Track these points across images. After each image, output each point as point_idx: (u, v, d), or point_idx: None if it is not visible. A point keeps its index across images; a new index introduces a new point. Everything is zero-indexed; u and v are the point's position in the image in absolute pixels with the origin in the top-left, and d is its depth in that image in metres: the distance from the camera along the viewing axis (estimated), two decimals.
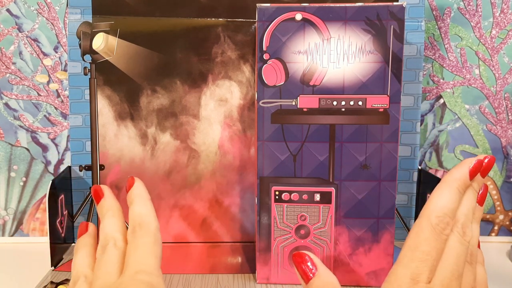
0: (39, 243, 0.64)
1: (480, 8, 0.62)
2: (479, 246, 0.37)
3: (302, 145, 0.50)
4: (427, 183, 0.59)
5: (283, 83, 0.50)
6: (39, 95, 0.63)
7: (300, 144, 0.50)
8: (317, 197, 0.50)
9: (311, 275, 0.34)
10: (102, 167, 0.60)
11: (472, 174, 0.35)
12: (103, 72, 0.59)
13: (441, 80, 0.64)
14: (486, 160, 0.35)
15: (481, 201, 0.36)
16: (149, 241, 0.35)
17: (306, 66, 0.49)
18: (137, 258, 0.34)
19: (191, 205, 0.60)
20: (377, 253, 0.51)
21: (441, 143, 0.65)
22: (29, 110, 0.63)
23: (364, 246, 0.51)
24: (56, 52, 0.62)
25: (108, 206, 0.38)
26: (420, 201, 0.61)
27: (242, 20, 0.59)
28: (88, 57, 0.59)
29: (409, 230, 0.60)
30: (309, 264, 0.35)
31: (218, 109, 0.59)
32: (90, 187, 0.61)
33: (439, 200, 0.35)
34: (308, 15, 0.49)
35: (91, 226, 0.39)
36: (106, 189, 0.39)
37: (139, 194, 0.38)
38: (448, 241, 0.34)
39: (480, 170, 0.35)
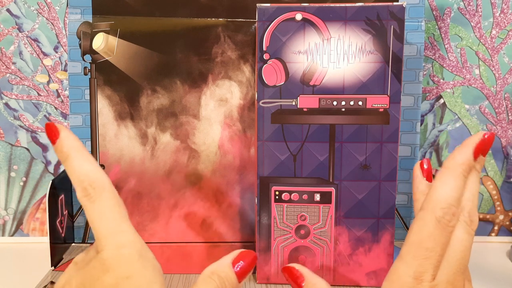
0: (39, 243, 0.64)
1: (480, 8, 0.62)
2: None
3: (302, 145, 0.50)
4: None
5: (283, 83, 0.50)
6: (39, 95, 0.63)
7: (300, 144, 0.50)
8: (317, 197, 0.50)
9: (301, 284, 0.35)
10: (102, 167, 0.60)
11: (477, 155, 0.33)
12: (103, 72, 0.59)
13: (441, 80, 0.64)
14: (486, 137, 0.33)
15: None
16: (112, 203, 0.31)
17: (306, 66, 0.49)
18: (109, 229, 0.31)
19: (191, 205, 0.60)
20: (377, 253, 0.51)
21: (441, 143, 0.65)
22: (29, 110, 0.63)
23: (364, 246, 0.51)
24: (56, 52, 0.62)
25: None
26: None
27: (242, 20, 0.59)
28: (88, 57, 0.59)
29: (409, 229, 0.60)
30: (297, 275, 0.35)
31: (218, 109, 0.59)
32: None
33: (443, 189, 0.32)
34: (308, 15, 0.49)
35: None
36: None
37: (73, 146, 0.32)
38: (454, 232, 0.32)
39: (484, 149, 0.33)
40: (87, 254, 0.33)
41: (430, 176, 0.36)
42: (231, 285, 0.32)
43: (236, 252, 0.34)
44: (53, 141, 0.32)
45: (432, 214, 0.31)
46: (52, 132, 0.32)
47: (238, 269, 0.33)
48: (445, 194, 0.32)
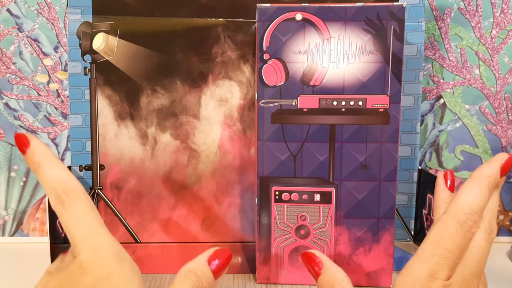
0: (39, 243, 0.64)
1: (480, 8, 0.62)
2: None
3: (302, 145, 0.50)
4: (427, 183, 0.59)
5: (283, 83, 0.49)
6: (39, 95, 0.63)
7: (300, 144, 0.50)
8: (317, 197, 0.50)
9: (319, 271, 0.35)
10: (102, 167, 0.60)
11: (504, 172, 0.34)
12: (103, 72, 0.59)
13: (441, 80, 0.64)
14: (509, 157, 0.35)
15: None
16: (86, 208, 0.32)
17: (306, 66, 0.49)
18: (85, 233, 0.31)
19: (191, 205, 0.60)
20: (377, 253, 0.51)
21: (441, 143, 0.65)
22: (29, 110, 0.63)
23: (364, 246, 0.51)
24: (56, 52, 0.62)
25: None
26: (420, 201, 0.61)
27: (242, 20, 0.59)
28: (88, 57, 0.59)
29: (409, 230, 0.60)
30: (317, 261, 0.35)
31: (218, 109, 0.59)
32: (90, 187, 0.61)
33: (469, 196, 0.33)
34: (308, 15, 0.49)
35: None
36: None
37: (44, 155, 0.32)
38: (473, 238, 0.33)
39: (508, 168, 0.35)
40: (62, 261, 0.34)
41: (452, 187, 0.37)
42: (208, 283, 0.32)
43: (212, 250, 0.34)
44: (23, 151, 0.32)
45: (455, 218, 0.32)
46: (22, 142, 0.32)
47: (214, 266, 0.33)
48: (470, 201, 0.33)
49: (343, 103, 0.49)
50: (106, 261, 0.31)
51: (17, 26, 0.62)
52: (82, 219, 0.31)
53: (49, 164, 0.32)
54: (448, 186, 0.37)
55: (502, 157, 0.35)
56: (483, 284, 0.34)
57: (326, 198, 0.50)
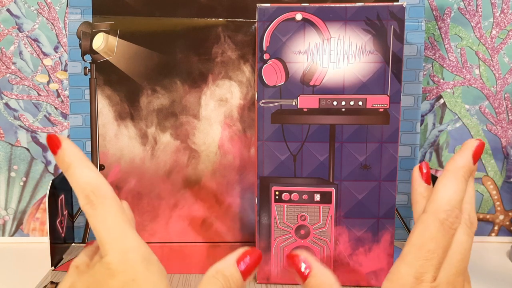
0: (39, 243, 0.64)
1: (480, 8, 0.62)
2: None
3: (302, 145, 0.50)
4: None
5: (283, 83, 0.50)
6: (39, 95, 0.63)
7: (300, 144, 0.50)
8: (317, 197, 0.50)
9: (307, 275, 0.33)
10: (102, 167, 0.60)
11: (476, 158, 0.34)
12: (103, 72, 0.59)
13: (441, 80, 0.64)
14: (479, 142, 0.34)
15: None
16: (114, 209, 0.31)
17: (306, 66, 0.49)
18: (113, 234, 0.31)
19: (191, 205, 0.60)
20: (377, 253, 0.51)
21: (441, 143, 0.65)
22: (29, 110, 0.63)
23: (364, 246, 0.51)
24: (56, 52, 0.62)
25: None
26: None
27: (242, 20, 0.59)
28: (88, 57, 0.59)
29: (409, 230, 0.60)
30: (302, 264, 0.34)
31: (218, 109, 0.59)
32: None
33: (446, 192, 0.32)
34: (308, 15, 0.49)
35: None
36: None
37: (75, 155, 0.32)
38: (455, 235, 0.32)
39: (480, 153, 0.34)
40: (89, 257, 0.33)
41: (429, 179, 0.36)
42: (236, 285, 0.32)
43: (241, 250, 0.33)
44: (54, 152, 0.33)
45: (435, 217, 0.32)
46: (54, 143, 0.33)
47: (243, 267, 0.32)
48: (448, 196, 0.32)
49: (343, 103, 0.49)
50: (133, 263, 0.30)
51: (17, 26, 0.62)
52: (110, 220, 0.31)
53: (79, 164, 0.32)
54: (424, 179, 0.36)
55: (472, 144, 0.34)
56: (467, 281, 0.34)
57: (326, 198, 0.50)
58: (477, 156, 0.34)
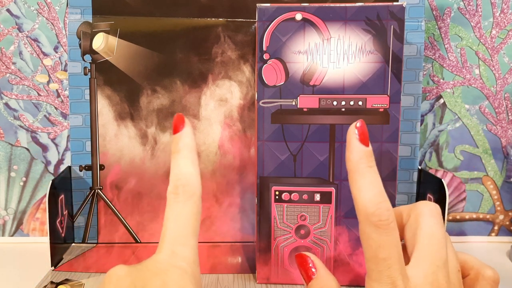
0: (39, 243, 0.64)
1: (480, 8, 0.62)
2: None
3: (302, 145, 0.50)
4: (427, 183, 0.59)
5: (283, 83, 0.50)
6: (39, 95, 0.63)
7: (300, 144, 0.50)
8: (317, 197, 0.50)
9: (312, 276, 0.34)
10: (102, 167, 0.60)
11: (364, 140, 0.32)
12: (103, 72, 0.59)
13: (441, 80, 0.64)
14: (358, 125, 0.32)
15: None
16: (193, 211, 0.32)
17: (306, 66, 0.49)
18: (177, 233, 0.31)
19: None
20: None
21: (441, 143, 0.65)
22: (29, 110, 0.63)
23: None
24: (56, 52, 0.62)
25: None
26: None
27: (242, 20, 0.59)
28: (88, 57, 0.59)
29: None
30: (310, 265, 0.34)
31: (218, 109, 0.59)
32: (90, 187, 0.61)
33: (361, 193, 0.31)
34: (308, 15, 0.49)
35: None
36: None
37: (188, 144, 0.33)
38: (394, 234, 0.30)
39: (365, 131, 0.32)
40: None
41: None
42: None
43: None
44: (175, 131, 0.34)
45: (368, 222, 0.30)
46: (179, 123, 0.34)
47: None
48: (366, 196, 0.30)
49: (343, 103, 0.49)
50: (176, 271, 0.30)
51: (17, 26, 0.62)
52: (182, 219, 0.32)
53: (187, 154, 0.33)
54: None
55: (352, 131, 0.32)
56: (458, 269, 0.32)
57: (326, 198, 0.50)
58: (364, 138, 0.32)
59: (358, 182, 0.31)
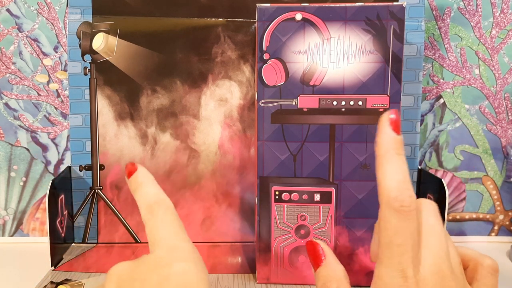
0: (39, 243, 0.64)
1: (480, 8, 0.62)
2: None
3: (302, 145, 0.50)
4: (427, 183, 0.59)
5: (283, 83, 0.50)
6: (39, 95, 0.63)
7: (300, 144, 0.50)
8: (317, 197, 0.50)
9: (320, 263, 0.34)
10: (102, 167, 0.60)
11: (396, 128, 0.32)
12: (103, 72, 0.59)
13: (441, 80, 0.64)
14: (392, 114, 0.32)
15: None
16: (172, 218, 0.34)
17: (306, 66, 0.49)
18: (166, 236, 0.33)
19: (191, 205, 0.60)
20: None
21: (441, 143, 0.65)
22: (29, 110, 0.63)
23: (364, 246, 0.51)
24: (56, 52, 0.62)
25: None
26: None
27: (242, 20, 0.59)
28: (88, 57, 0.59)
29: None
30: (320, 253, 0.34)
31: (218, 109, 0.59)
32: (90, 187, 0.61)
33: (388, 178, 0.30)
34: (308, 15, 0.49)
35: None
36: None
37: (146, 177, 0.37)
38: (422, 219, 0.31)
39: (398, 123, 0.32)
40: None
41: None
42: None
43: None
44: (129, 175, 0.37)
45: (390, 207, 0.30)
46: (131, 168, 0.37)
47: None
48: (392, 181, 0.30)
49: (343, 103, 0.49)
50: (179, 259, 0.31)
51: (17, 26, 0.62)
52: (166, 226, 0.33)
53: (148, 183, 0.36)
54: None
55: (386, 118, 0.32)
56: (459, 263, 0.32)
57: (326, 198, 0.50)
58: (396, 126, 0.32)
59: (384, 166, 0.31)
